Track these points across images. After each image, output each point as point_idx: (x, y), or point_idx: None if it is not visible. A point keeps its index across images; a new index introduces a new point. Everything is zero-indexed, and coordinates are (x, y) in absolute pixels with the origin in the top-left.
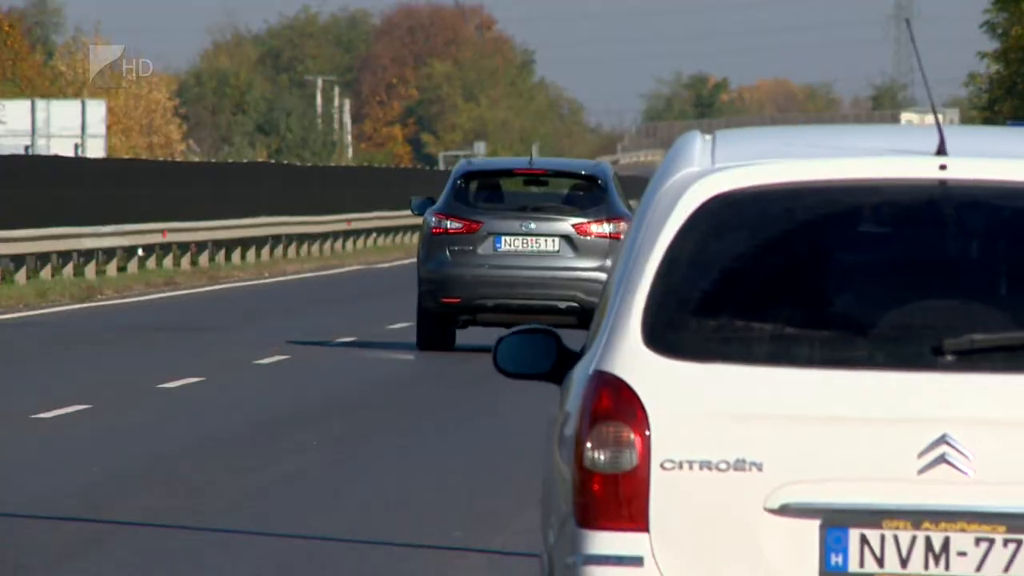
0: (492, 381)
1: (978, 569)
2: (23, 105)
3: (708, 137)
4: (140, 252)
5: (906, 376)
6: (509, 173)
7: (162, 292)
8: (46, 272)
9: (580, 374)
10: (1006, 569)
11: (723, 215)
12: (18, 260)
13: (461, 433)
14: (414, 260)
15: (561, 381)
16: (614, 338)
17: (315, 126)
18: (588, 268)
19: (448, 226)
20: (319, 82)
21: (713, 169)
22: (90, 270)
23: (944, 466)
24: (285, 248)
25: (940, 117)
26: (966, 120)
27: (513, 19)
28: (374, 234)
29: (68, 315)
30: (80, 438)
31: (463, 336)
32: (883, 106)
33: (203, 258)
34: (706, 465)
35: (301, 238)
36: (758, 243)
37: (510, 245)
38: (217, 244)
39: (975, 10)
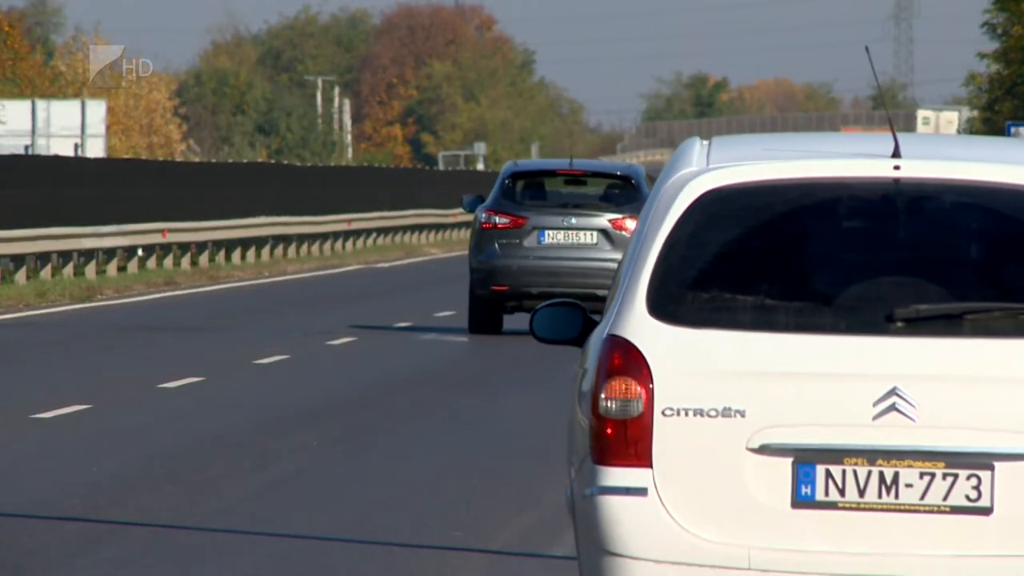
0: (492, 382)
1: (922, 498)
2: (23, 105)
3: (705, 142)
4: (140, 252)
5: (863, 339)
6: (551, 173)
7: (162, 292)
8: (46, 272)
9: (596, 338)
10: (944, 498)
11: (715, 207)
12: (18, 260)
13: (461, 433)
14: (413, 260)
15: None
16: (624, 308)
17: (315, 126)
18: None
19: (497, 221)
20: (319, 82)
21: (708, 169)
22: (90, 270)
23: (894, 413)
24: (285, 248)
25: (942, 116)
26: (966, 120)
27: (513, 19)
28: (374, 234)
29: (68, 315)
30: (80, 438)
31: (510, 321)
32: (883, 106)
33: (203, 258)
34: (699, 412)
35: (301, 238)
36: (744, 230)
37: (553, 238)
38: (217, 244)
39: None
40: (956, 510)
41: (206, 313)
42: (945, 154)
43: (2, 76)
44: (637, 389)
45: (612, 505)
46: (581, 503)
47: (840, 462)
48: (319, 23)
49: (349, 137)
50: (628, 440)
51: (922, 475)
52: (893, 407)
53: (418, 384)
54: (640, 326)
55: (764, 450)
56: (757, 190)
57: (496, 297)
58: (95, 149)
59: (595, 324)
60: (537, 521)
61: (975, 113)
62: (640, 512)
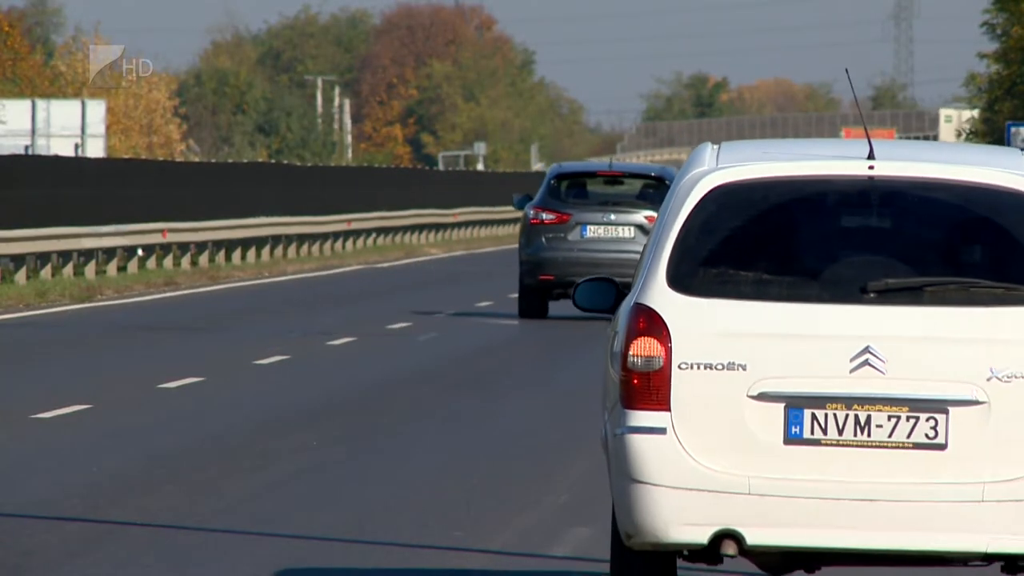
0: (492, 382)
1: (889, 436)
2: (23, 105)
3: (715, 146)
4: (140, 252)
5: (842, 307)
6: (593, 175)
7: (162, 292)
8: (46, 272)
9: (625, 307)
10: (908, 436)
11: (722, 200)
12: (18, 260)
13: (461, 433)
14: (413, 260)
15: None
16: (648, 282)
17: (315, 126)
18: None
19: (544, 218)
20: (319, 82)
21: (716, 168)
22: (90, 270)
23: (867, 367)
24: (285, 248)
25: (963, 114)
26: (966, 120)
27: (513, 19)
28: (374, 234)
29: (68, 315)
30: (80, 438)
31: (555, 307)
32: (883, 106)
33: (203, 258)
34: (708, 366)
35: (301, 238)
36: (746, 218)
37: (594, 233)
38: (217, 244)
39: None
40: (917, 446)
41: (206, 313)
42: (910, 156)
43: (2, 76)
44: (658, 347)
45: (637, 442)
46: (612, 441)
47: (823, 407)
48: (319, 23)
49: (349, 137)
50: (651, 389)
51: (890, 418)
52: (866, 362)
53: (418, 384)
54: (661, 296)
55: (761, 397)
56: (757, 186)
57: (543, 285)
58: (95, 149)
59: (623, 295)
60: (537, 521)
61: (975, 113)
62: (660, 447)
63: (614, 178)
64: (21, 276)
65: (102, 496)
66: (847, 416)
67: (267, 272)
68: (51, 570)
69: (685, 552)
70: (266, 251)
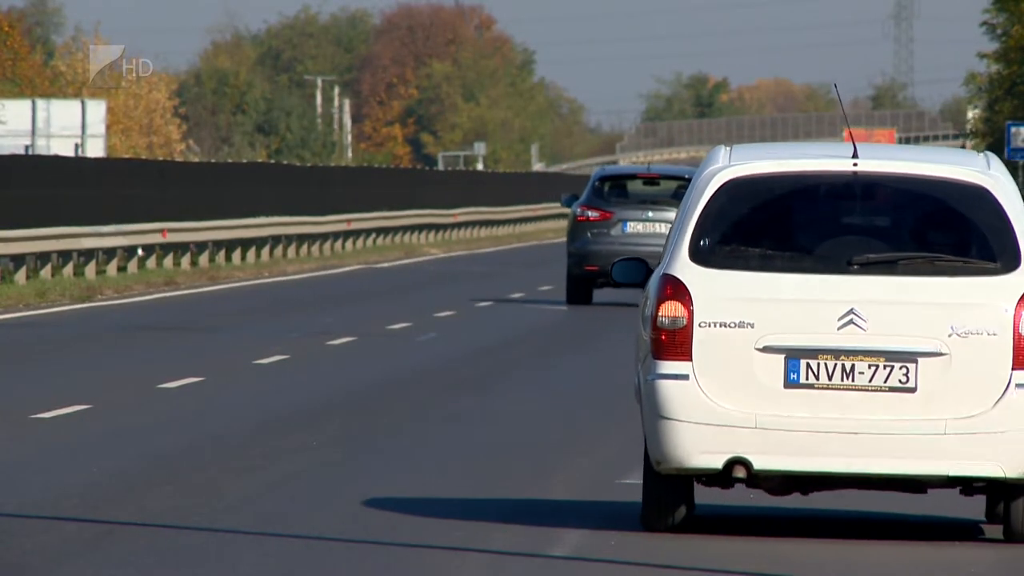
0: (492, 382)
1: (870, 381)
2: (23, 105)
3: (728, 148)
4: (140, 252)
5: (832, 277)
6: (633, 176)
7: (162, 292)
8: (46, 272)
9: (655, 278)
10: (885, 381)
11: (734, 191)
12: (18, 260)
13: (460, 433)
14: (413, 260)
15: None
16: (674, 257)
17: (315, 126)
18: None
19: (589, 215)
20: (319, 82)
21: (729, 165)
22: (90, 270)
23: (852, 325)
24: (285, 248)
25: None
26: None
27: (513, 19)
28: (374, 234)
29: (68, 315)
30: (80, 438)
31: (598, 295)
32: (883, 106)
33: (203, 258)
34: (724, 324)
35: (301, 238)
36: (753, 206)
37: (634, 228)
38: (217, 244)
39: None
40: (892, 389)
41: (206, 313)
42: (888, 156)
43: (2, 76)
44: (683, 309)
45: (665, 386)
46: (644, 386)
47: (816, 357)
48: (319, 23)
49: (349, 137)
50: (676, 343)
51: (870, 366)
52: (851, 321)
53: (418, 384)
54: (685, 268)
55: (766, 350)
56: (762, 179)
57: (588, 276)
58: (95, 149)
59: (651, 271)
60: (537, 521)
61: (976, 113)
62: (684, 391)
63: (652, 180)
64: (21, 276)
65: (101, 496)
66: (835, 365)
67: (267, 272)
68: (51, 570)
69: (703, 478)
70: (266, 251)
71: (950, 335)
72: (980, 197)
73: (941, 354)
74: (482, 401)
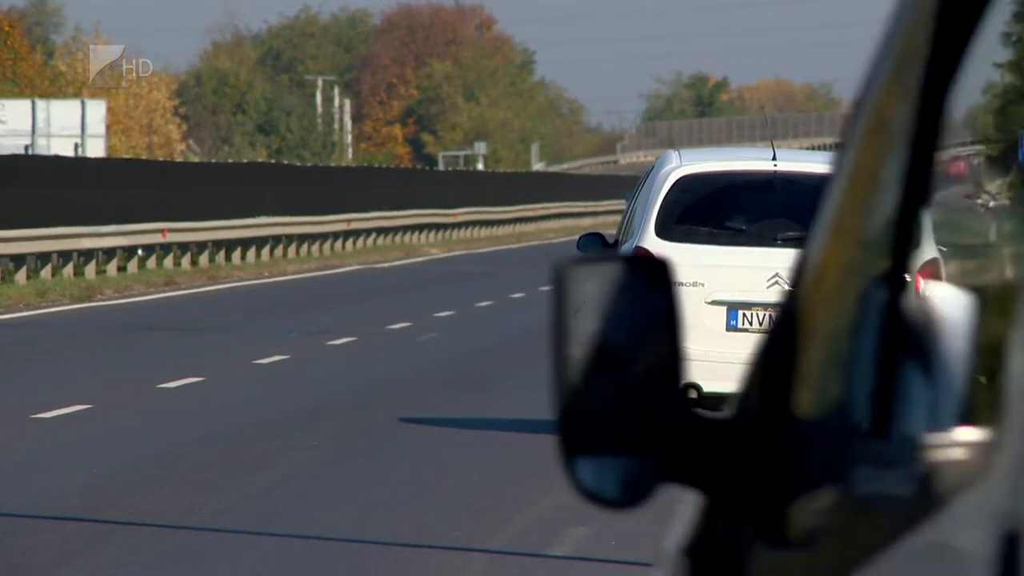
0: (492, 382)
1: None
2: (23, 105)
3: (678, 152)
4: (140, 252)
5: (762, 249)
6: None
7: (162, 292)
8: (46, 272)
9: (627, 249)
10: None
11: (686, 184)
12: (18, 260)
13: (461, 433)
14: (413, 260)
15: None
16: (643, 233)
17: (315, 126)
18: None
19: None
20: (319, 82)
21: (681, 165)
22: (90, 270)
23: (777, 285)
24: (285, 248)
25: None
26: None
27: (513, 19)
28: (374, 234)
29: (68, 315)
30: (80, 438)
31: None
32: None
33: (203, 258)
34: (681, 284)
35: (301, 238)
36: (700, 195)
37: None
38: (217, 244)
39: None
40: None
41: (206, 313)
42: (798, 158)
43: (2, 76)
44: None
45: None
46: None
47: (750, 309)
48: (319, 23)
49: (349, 137)
50: None
51: None
52: (776, 282)
53: (418, 384)
54: (652, 241)
55: (713, 303)
56: (707, 176)
57: None
58: (95, 149)
59: (612, 246)
60: (537, 521)
61: (988, 119)
62: None
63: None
64: (21, 276)
65: (102, 496)
66: (764, 315)
67: (267, 272)
68: (51, 570)
69: None
70: (266, 251)
71: None
72: None
73: None
74: (482, 401)
